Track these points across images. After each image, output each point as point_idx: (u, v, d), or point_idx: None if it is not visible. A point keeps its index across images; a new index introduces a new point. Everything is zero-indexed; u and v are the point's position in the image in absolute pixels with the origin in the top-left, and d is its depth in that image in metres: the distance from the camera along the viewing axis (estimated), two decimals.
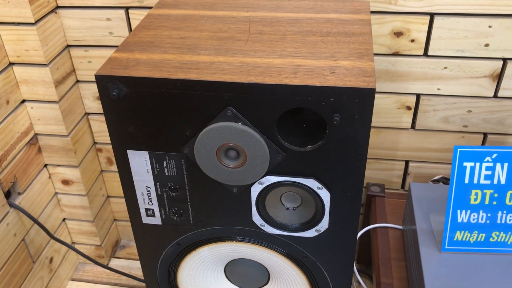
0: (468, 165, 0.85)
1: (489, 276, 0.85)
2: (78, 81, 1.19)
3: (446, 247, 0.90)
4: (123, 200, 1.41)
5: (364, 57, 0.64)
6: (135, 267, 1.43)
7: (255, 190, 0.69)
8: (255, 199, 0.70)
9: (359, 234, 1.21)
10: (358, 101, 0.58)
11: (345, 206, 0.68)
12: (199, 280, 0.84)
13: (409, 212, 1.03)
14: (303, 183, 0.67)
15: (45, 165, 1.24)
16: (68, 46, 1.14)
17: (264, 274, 0.84)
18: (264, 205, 0.71)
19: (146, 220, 0.76)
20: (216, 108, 0.62)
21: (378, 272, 1.05)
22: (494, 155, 0.85)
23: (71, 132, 1.19)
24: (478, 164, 0.85)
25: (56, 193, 1.29)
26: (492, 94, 1.07)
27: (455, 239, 0.90)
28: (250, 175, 0.66)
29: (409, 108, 1.12)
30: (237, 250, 0.78)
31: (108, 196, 1.41)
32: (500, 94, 1.07)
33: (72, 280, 1.39)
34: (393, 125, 1.16)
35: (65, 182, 1.27)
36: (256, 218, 0.73)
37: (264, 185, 0.68)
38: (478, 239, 0.90)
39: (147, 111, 0.64)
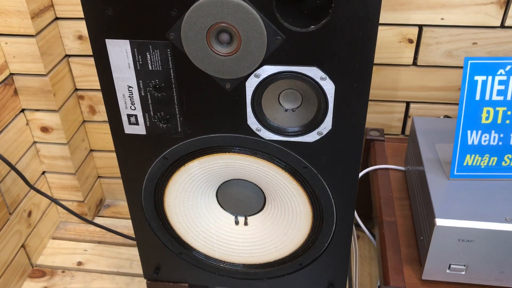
0: (479, 79, 0.79)
1: (502, 203, 0.79)
2: (57, 18, 1.11)
3: (455, 173, 0.84)
4: (108, 155, 1.33)
5: None
6: (120, 225, 1.35)
7: (251, 85, 0.62)
8: (250, 97, 0.63)
9: None
10: None
11: (351, 101, 0.61)
12: (188, 205, 0.76)
13: (413, 145, 0.96)
14: (305, 72, 0.59)
15: (22, 110, 1.15)
16: None
17: (259, 197, 0.77)
18: (260, 105, 0.64)
19: (128, 129, 0.68)
20: None
21: (380, 212, 0.98)
22: (508, 67, 0.78)
23: (50, 72, 1.11)
24: (490, 78, 0.79)
25: (34, 142, 1.20)
26: (499, 24, 1.01)
27: (465, 164, 0.83)
28: (244, 63, 0.59)
29: (411, 41, 1.06)
30: (231, 165, 0.70)
31: (92, 150, 1.33)
32: (507, 23, 1.01)
33: (53, 238, 1.31)
34: (393, 61, 1.09)
35: (44, 129, 1.18)
36: (252, 121, 0.65)
37: (261, 78, 0.61)
38: (490, 164, 0.83)
39: None
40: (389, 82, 1.12)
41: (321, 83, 0.60)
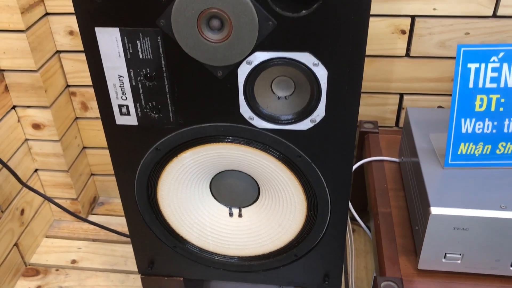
0: (472, 66, 0.79)
1: (497, 191, 0.78)
2: (47, 13, 1.10)
3: (449, 162, 0.83)
4: (101, 152, 1.32)
5: None
6: (114, 222, 1.34)
7: (243, 72, 0.61)
8: (242, 85, 0.62)
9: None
10: None
11: (344, 86, 0.61)
12: (181, 197, 0.75)
13: (407, 136, 0.96)
14: (297, 58, 0.59)
15: (14, 107, 1.14)
16: None
17: (253, 189, 0.76)
18: (253, 93, 0.63)
19: (120, 120, 0.68)
20: None
21: (375, 203, 0.98)
22: (501, 54, 0.78)
23: (41, 68, 1.09)
24: (483, 65, 0.79)
25: (26, 139, 1.19)
26: (491, 13, 1.01)
27: (459, 152, 0.83)
28: (236, 50, 0.58)
29: (403, 32, 1.06)
30: (224, 155, 0.70)
31: (84, 147, 1.32)
32: (499, 12, 1.01)
33: (47, 237, 1.29)
34: (386, 53, 1.09)
35: (36, 126, 1.17)
36: (244, 110, 0.65)
37: (253, 65, 0.60)
38: (484, 152, 0.83)
39: None
40: (383, 74, 1.12)
41: (314, 69, 0.59)
